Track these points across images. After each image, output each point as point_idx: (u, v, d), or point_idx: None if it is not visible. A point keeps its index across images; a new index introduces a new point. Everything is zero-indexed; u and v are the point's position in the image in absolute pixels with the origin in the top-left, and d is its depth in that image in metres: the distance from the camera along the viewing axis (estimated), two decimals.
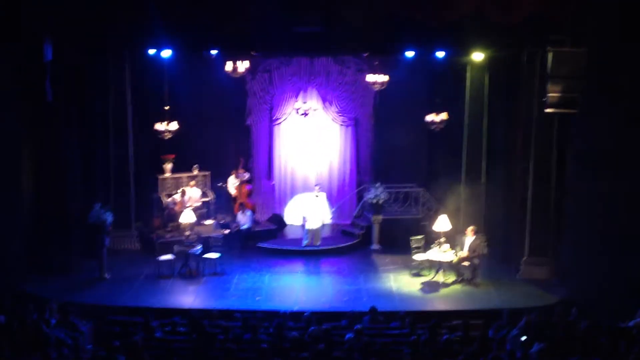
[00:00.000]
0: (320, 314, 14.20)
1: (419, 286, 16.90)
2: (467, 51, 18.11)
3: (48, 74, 16.34)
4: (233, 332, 12.58)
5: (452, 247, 17.26)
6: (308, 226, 19.48)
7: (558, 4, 15.77)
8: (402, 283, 17.08)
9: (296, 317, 13.93)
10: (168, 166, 20.52)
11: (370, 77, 18.95)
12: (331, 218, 21.57)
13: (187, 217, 17.96)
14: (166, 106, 18.33)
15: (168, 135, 18.21)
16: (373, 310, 13.92)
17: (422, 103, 19.72)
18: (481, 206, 19.15)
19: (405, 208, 20.39)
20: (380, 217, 19.79)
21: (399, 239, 18.94)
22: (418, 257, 17.66)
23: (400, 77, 19.18)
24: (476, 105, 19.01)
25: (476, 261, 16.97)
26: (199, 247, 17.54)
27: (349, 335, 12.10)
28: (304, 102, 20.68)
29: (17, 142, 16.57)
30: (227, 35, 17.09)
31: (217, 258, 17.62)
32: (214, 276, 17.36)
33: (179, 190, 20.22)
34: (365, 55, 19.86)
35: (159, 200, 20.13)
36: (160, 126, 18.10)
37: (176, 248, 17.56)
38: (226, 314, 14.16)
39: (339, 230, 21.20)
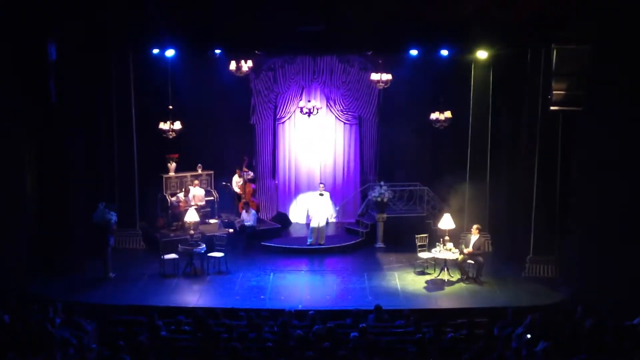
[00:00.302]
0: (324, 312, 14.22)
1: (423, 284, 16.89)
2: (471, 49, 18.09)
3: (52, 74, 16.36)
4: (237, 330, 12.57)
5: (457, 245, 17.25)
6: (313, 224, 19.51)
7: (562, 1, 15.73)
8: (406, 281, 17.07)
9: (301, 315, 13.92)
10: (172, 165, 20.53)
11: (374, 76, 18.94)
12: (335, 216, 21.60)
13: (191, 216, 17.96)
14: (170, 105, 18.32)
15: (172, 135, 18.21)
16: (378, 308, 13.90)
17: (426, 101, 19.69)
18: (486, 204, 19.13)
19: (410, 206, 20.38)
20: (384, 216, 19.79)
21: (403, 237, 18.91)
22: (423, 255, 17.64)
23: (404, 76, 19.20)
24: (480, 103, 18.97)
25: (481, 259, 16.95)
26: (203, 246, 17.53)
27: (353, 334, 12.08)
28: (308, 101, 20.66)
29: (21, 142, 16.59)
30: (231, 35, 17.11)
31: (221, 257, 17.63)
32: (219, 275, 17.37)
33: (183, 190, 20.23)
34: (369, 53, 19.86)
35: (163, 200, 20.14)
36: (164, 125, 18.10)
37: (180, 247, 17.56)
38: (231, 313, 14.13)
39: (343, 228, 21.22)
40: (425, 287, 16.74)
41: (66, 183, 17.60)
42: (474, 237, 17.05)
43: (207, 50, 18.06)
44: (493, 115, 18.85)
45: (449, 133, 19.34)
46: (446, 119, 18.74)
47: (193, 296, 16.06)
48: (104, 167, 18.76)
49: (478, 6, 15.97)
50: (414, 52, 18.12)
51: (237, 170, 21.02)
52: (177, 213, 19.64)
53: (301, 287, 16.90)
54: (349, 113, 21.63)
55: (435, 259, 17.41)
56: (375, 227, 20.01)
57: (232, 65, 18.11)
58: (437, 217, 18.84)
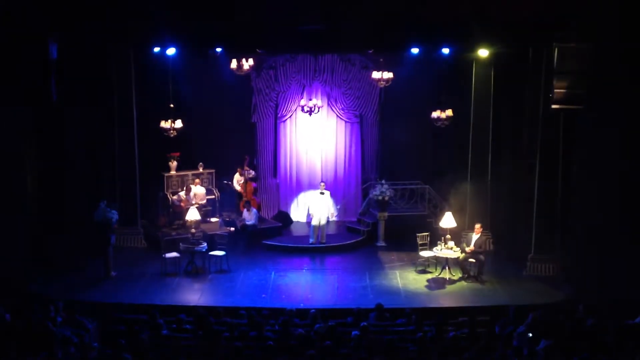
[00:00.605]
0: (326, 311, 14.23)
1: (425, 283, 16.89)
2: (472, 48, 18.07)
3: (53, 72, 16.37)
4: (239, 329, 12.57)
5: (458, 244, 17.25)
6: (314, 222, 19.52)
7: (563, 0, 15.73)
8: (408, 280, 17.07)
9: (302, 314, 13.93)
10: (173, 164, 20.52)
11: (375, 74, 18.90)
12: (336, 215, 21.61)
13: (193, 215, 17.96)
14: (171, 104, 18.33)
15: (173, 133, 18.21)
16: (379, 307, 13.90)
17: (427, 100, 19.68)
18: (487, 203, 19.12)
19: (411, 205, 20.37)
20: (385, 214, 19.78)
21: (404, 235, 18.90)
22: (424, 254, 17.64)
23: (406, 74, 19.15)
24: (482, 102, 18.94)
25: (482, 258, 16.95)
26: (204, 245, 17.54)
27: (355, 333, 12.08)
28: (309, 100, 20.65)
29: (22, 140, 16.59)
30: (232, 33, 17.11)
31: (222, 255, 17.63)
32: (220, 273, 17.37)
33: (184, 188, 20.23)
34: (370, 52, 19.84)
35: (165, 198, 20.14)
36: (165, 124, 18.10)
37: (182, 246, 17.57)
38: (232, 311, 14.15)
39: (344, 227, 21.20)
40: (426, 286, 16.74)
41: (67, 182, 17.61)
42: (476, 235, 17.05)
43: (208, 48, 18.06)
44: (494, 113, 18.82)
45: (450, 131, 19.32)
46: (447, 117, 18.71)
47: (194, 295, 16.07)
48: (105, 165, 18.77)
49: (479, 5, 15.97)
50: (415, 51, 18.12)
51: (239, 169, 21.01)
52: (179, 212, 19.64)
53: (302, 285, 16.90)
54: (350, 111, 21.62)
55: (436, 258, 17.41)
56: (377, 225, 20.00)
57: (233, 64, 18.09)
58: (438, 215, 18.84)
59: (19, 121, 16.34)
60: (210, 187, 20.96)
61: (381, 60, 19.07)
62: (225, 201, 21.04)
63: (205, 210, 20.17)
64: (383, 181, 19.92)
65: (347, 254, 19.29)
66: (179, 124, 18.19)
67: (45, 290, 15.67)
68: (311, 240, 19.56)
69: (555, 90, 16.13)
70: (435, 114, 18.77)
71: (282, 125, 21.78)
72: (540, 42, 16.68)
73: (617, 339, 11.54)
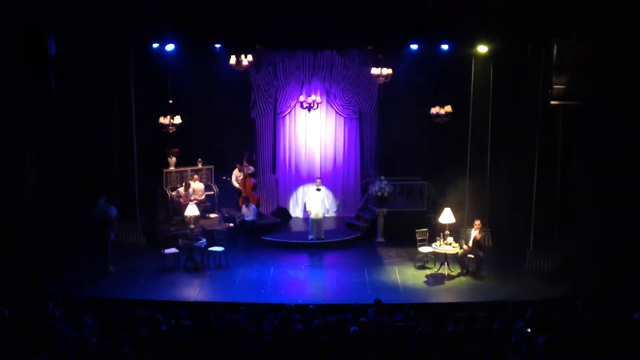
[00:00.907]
0: (325, 306, 14.25)
1: (423, 279, 16.91)
2: (471, 44, 18.09)
3: (52, 68, 16.36)
4: (238, 325, 12.57)
5: (457, 239, 17.26)
6: (312, 217, 19.50)
7: None
8: (407, 276, 17.09)
9: (301, 309, 13.91)
10: (172, 160, 20.53)
11: (375, 70, 18.90)
12: (335, 211, 21.63)
13: (192, 211, 17.96)
14: (170, 100, 18.31)
15: (172, 129, 18.18)
16: (378, 302, 13.89)
17: (426, 96, 19.67)
18: (486, 199, 19.14)
19: (410, 201, 20.41)
20: (384, 210, 19.80)
21: (403, 231, 18.91)
22: (423, 249, 17.66)
23: (405, 70, 19.20)
24: (481, 97, 18.95)
25: (481, 254, 16.98)
26: (203, 241, 17.55)
27: (353, 328, 12.07)
28: (308, 96, 20.64)
29: (22, 136, 16.60)
30: (231, 29, 17.11)
31: (221, 251, 17.65)
32: (219, 269, 17.39)
33: (183, 184, 20.24)
34: (370, 48, 19.82)
35: (164, 194, 20.14)
36: (164, 120, 18.08)
37: (181, 241, 17.58)
38: (231, 307, 14.16)
39: (343, 223, 21.21)
40: (425, 282, 16.76)
41: (66, 178, 17.61)
42: (475, 231, 17.07)
43: (207, 44, 18.07)
44: (493, 109, 18.84)
45: (449, 127, 19.31)
46: (446, 113, 18.71)
47: (193, 290, 16.08)
48: (104, 161, 18.75)
49: (478, 1, 15.97)
50: (414, 47, 18.14)
51: (238, 165, 21.01)
52: (178, 207, 19.64)
53: (301, 281, 16.92)
54: (349, 108, 21.62)
55: (435, 254, 17.43)
56: (376, 221, 20.02)
57: (232, 60, 18.08)
58: (437, 211, 18.83)
59: (19, 116, 16.33)
60: (209, 182, 20.96)
61: (380, 56, 19.07)
62: (224, 197, 21.04)
63: (204, 206, 20.17)
64: (382, 177, 19.92)
65: (346, 249, 19.31)
66: (177, 120, 18.16)
67: (44, 285, 15.66)
68: (310, 237, 19.57)
69: (555, 86, 16.16)
70: (435, 110, 18.77)
71: (281, 121, 21.77)
72: (540, 38, 16.68)
73: (615, 334, 11.54)
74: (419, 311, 13.89)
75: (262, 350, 11.32)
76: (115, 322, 13.63)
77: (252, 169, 21.16)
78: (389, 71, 18.75)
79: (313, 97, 20.48)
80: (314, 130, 21.71)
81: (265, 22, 16.92)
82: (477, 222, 17.22)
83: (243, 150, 21.14)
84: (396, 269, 17.55)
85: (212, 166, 21.10)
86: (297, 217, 21.69)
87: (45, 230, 17.09)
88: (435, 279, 16.87)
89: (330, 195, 21.57)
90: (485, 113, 18.95)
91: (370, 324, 12.69)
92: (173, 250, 17.43)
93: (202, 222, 19.02)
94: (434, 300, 15.67)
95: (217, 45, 18.09)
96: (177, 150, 20.47)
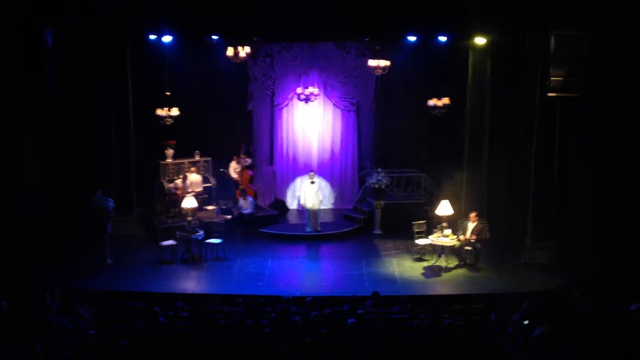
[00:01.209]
0: (322, 298, 14.28)
1: (421, 271, 16.92)
2: (469, 36, 18.07)
3: (49, 60, 16.32)
4: (235, 317, 12.58)
5: (454, 231, 17.26)
6: (307, 207, 19.48)
7: None
8: (404, 268, 17.10)
9: (298, 302, 13.94)
10: (169, 152, 20.50)
11: (372, 62, 18.86)
12: (333, 203, 21.64)
13: (189, 203, 17.94)
14: (167, 92, 18.28)
15: (169, 121, 18.17)
16: (375, 294, 13.93)
17: (424, 88, 19.64)
18: (483, 191, 19.13)
19: (407, 193, 20.42)
20: (382, 202, 19.81)
21: (401, 223, 18.95)
22: (420, 241, 17.67)
23: (402, 62, 19.16)
24: (478, 89, 18.94)
25: (478, 246, 16.98)
26: (201, 233, 17.55)
27: (351, 320, 12.10)
28: (306, 88, 20.61)
29: (19, 129, 16.57)
30: (228, 21, 17.06)
31: (219, 243, 17.66)
32: (216, 261, 17.40)
33: (180, 176, 20.22)
34: (367, 40, 19.78)
35: (161, 186, 20.11)
36: (161, 112, 18.05)
37: (178, 233, 17.57)
38: (228, 299, 14.17)
39: (341, 215, 21.22)
40: (422, 274, 16.76)
41: (64, 170, 17.58)
42: (472, 224, 17.07)
43: (205, 36, 18.03)
44: (491, 101, 18.82)
45: (446, 119, 19.28)
46: (444, 105, 18.70)
47: (191, 282, 16.08)
48: (101, 153, 18.71)
49: None
50: (412, 39, 18.10)
51: (235, 157, 21.00)
52: (175, 200, 19.64)
53: (299, 273, 16.94)
54: (347, 99, 21.60)
55: (432, 246, 17.44)
56: (373, 213, 20.03)
57: (230, 52, 18.04)
58: (434, 203, 18.85)
59: (16, 109, 16.29)
60: (206, 174, 20.95)
61: (378, 48, 19.03)
62: (221, 189, 21.03)
63: (202, 198, 20.15)
64: (379, 169, 19.93)
65: (343, 242, 19.31)
66: (175, 111, 18.14)
67: (42, 278, 15.66)
68: (308, 229, 19.57)
69: (552, 78, 16.15)
70: (432, 102, 18.75)
71: (278, 113, 21.74)
72: (537, 30, 16.65)
73: (612, 325, 11.57)
74: (416, 303, 13.92)
75: (260, 343, 11.33)
76: (112, 314, 13.67)
77: (249, 161, 21.15)
78: (387, 63, 18.71)
79: (310, 89, 20.45)
80: (311, 122, 21.69)
81: (262, 13, 16.88)
82: (473, 214, 17.22)
83: (240, 142, 21.13)
84: (393, 261, 17.56)
85: (209, 158, 21.09)
86: (294, 210, 21.70)
87: (42, 223, 17.07)
88: (433, 271, 16.88)
89: (327, 187, 21.60)
90: (483, 105, 18.94)
91: (368, 316, 12.73)
92: (170, 242, 17.43)
93: (200, 214, 19.00)
94: (431, 292, 15.68)
95: (215, 37, 18.04)
96: (174, 142, 20.44)
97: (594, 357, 10.44)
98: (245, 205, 19.65)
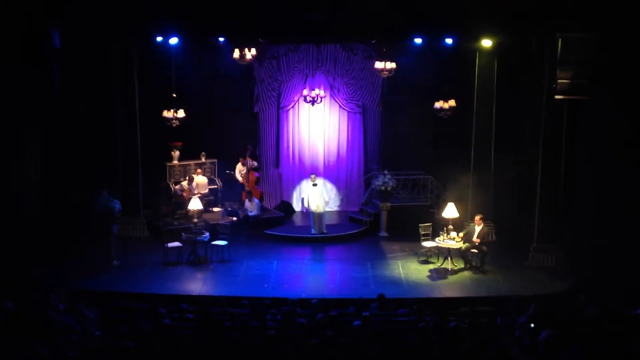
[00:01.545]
0: (328, 301, 14.23)
1: (427, 273, 16.89)
2: (475, 38, 18.06)
3: (56, 62, 16.36)
4: (240, 319, 12.57)
5: (465, 234, 17.18)
6: (312, 209, 19.47)
7: None
8: (410, 270, 17.07)
9: (304, 304, 13.93)
10: (176, 154, 20.55)
11: (378, 64, 18.87)
12: (338, 205, 21.63)
13: (195, 205, 17.96)
14: (174, 94, 18.31)
15: (176, 123, 18.21)
16: (381, 297, 13.90)
17: (430, 90, 19.62)
18: (490, 193, 19.09)
19: (414, 195, 20.38)
20: (388, 205, 19.79)
21: (407, 226, 18.93)
22: (426, 244, 17.63)
23: (409, 64, 19.12)
24: (485, 92, 18.91)
25: (484, 248, 16.93)
26: (206, 234, 17.55)
27: (356, 322, 12.08)
28: (312, 90, 20.62)
29: (25, 129, 16.61)
30: (235, 22, 17.08)
31: (224, 245, 17.65)
32: (222, 263, 17.39)
33: (186, 178, 20.24)
34: (373, 42, 19.78)
35: (167, 188, 20.15)
36: (167, 114, 18.10)
37: (184, 235, 17.57)
38: (234, 301, 14.16)
39: (347, 217, 21.21)
40: (428, 276, 16.73)
41: (70, 171, 17.61)
42: (478, 227, 17.03)
43: (211, 38, 18.04)
44: (497, 104, 18.79)
45: (452, 122, 19.27)
46: (450, 107, 18.69)
47: (196, 284, 16.08)
48: (107, 155, 18.76)
49: None
50: (418, 41, 18.10)
51: (241, 159, 21.02)
52: (181, 201, 19.67)
53: (304, 275, 16.92)
54: (353, 101, 21.60)
55: (438, 248, 17.40)
56: (379, 216, 20.01)
57: (236, 54, 18.04)
58: (440, 206, 18.83)
59: (22, 109, 16.33)
60: (212, 176, 20.98)
61: (384, 50, 19.04)
62: (227, 191, 21.05)
63: (208, 200, 20.20)
64: (385, 171, 19.91)
65: (349, 244, 19.29)
66: (181, 113, 18.18)
67: (48, 278, 15.68)
68: (313, 231, 19.56)
69: (559, 81, 16.15)
70: (438, 104, 18.75)
71: (284, 115, 21.76)
72: (544, 32, 16.62)
73: (618, 328, 11.53)
74: (422, 306, 13.88)
75: (265, 345, 11.32)
76: (118, 315, 13.66)
77: (255, 163, 21.16)
78: (393, 65, 18.71)
79: (317, 90, 20.46)
80: (317, 124, 21.71)
81: (268, 15, 16.88)
82: (478, 217, 17.18)
83: (246, 144, 21.16)
84: (399, 263, 17.53)
85: (215, 160, 21.14)
86: (300, 212, 21.69)
87: (48, 224, 17.09)
88: (439, 274, 16.85)
89: (332, 189, 21.61)
90: (489, 107, 18.90)
91: (373, 318, 12.71)
92: (176, 244, 17.43)
93: (206, 216, 19.03)
94: (437, 294, 15.62)
95: (221, 39, 18.05)
96: (180, 144, 20.49)
97: None
98: (251, 207, 19.66)
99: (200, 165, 20.76)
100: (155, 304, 13.27)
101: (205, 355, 10.93)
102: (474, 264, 17.02)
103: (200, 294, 15.21)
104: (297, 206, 21.88)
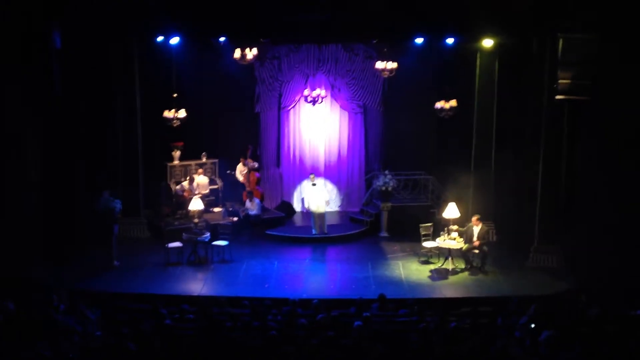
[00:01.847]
0: (328, 301, 14.22)
1: (427, 273, 16.89)
2: (476, 38, 18.06)
3: (57, 62, 16.35)
4: (241, 319, 12.58)
5: (461, 234, 17.20)
6: (312, 209, 19.47)
7: None
8: (410, 270, 17.06)
9: (305, 304, 13.93)
10: (176, 154, 20.54)
11: (379, 64, 18.89)
12: (339, 205, 21.63)
13: (196, 205, 17.94)
14: (174, 94, 18.31)
15: (176, 123, 18.19)
16: (382, 297, 13.90)
17: (431, 90, 19.65)
18: (490, 194, 19.08)
19: (414, 195, 20.39)
20: (389, 205, 19.78)
21: (407, 226, 18.94)
22: (427, 244, 17.63)
23: (410, 64, 19.15)
24: (486, 92, 18.92)
25: (485, 248, 16.93)
26: (207, 235, 17.55)
27: (357, 323, 12.08)
28: (313, 90, 20.62)
29: (26, 129, 16.59)
30: (236, 22, 17.07)
31: (225, 245, 17.65)
32: (223, 263, 17.39)
33: (187, 178, 20.24)
34: (374, 42, 19.78)
35: (168, 188, 20.14)
36: (168, 114, 18.09)
37: (185, 235, 17.57)
38: (235, 301, 14.17)
39: (347, 217, 21.21)
40: (429, 277, 16.73)
41: (71, 171, 17.61)
42: (476, 227, 17.01)
43: (212, 38, 18.03)
44: (498, 104, 18.78)
45: (454, 122, 19.27)
46: (451, 107, 18.67)
47: (197, 285, 16.07)
48: (108, 155, 18.76)
49: None
50: (419, 41, 18.09)
51: (242, 159, 21.02)
52: (182, 201, 19.66)
53: (305, 275, 16.91)
54: (354, 102, 21.60)
55: (439, 248, 17.40)
56: (380, 216, 20.00)
57: (237, 54, 18.03)
58: (441, 206, 18.82)
59: (23, 109, 16.32)
60: (213, 177, 20.98)
61: (385, 50, 19.06)
62: (228, 191, 21.05)
63: (209, 200, 20.19)
64: (386, 171, 19.90)
65: (350, 244, 19.28)
66: (182, 113, 18.17)
67: (49, 279, 15.67)
68: (314, 232, 19.55)
69: (560, 81, 16.15)
70: (439, 105, 18.74)
71: (285, 115, 21.76)
72: (545, 32, 16.62)
73: (619, 329, 11.52)
74: (423, 306, 13.89)
75: (266, 345, 11.32)
76: (119, 316, 13.66)
77: (255, 164, 21.15)
78: (394, 65, 18.72)
79: (318, 91, 20.47)
80: (318, 125, 21.71)
81: (269, 15, 16.87)
82: (475, 218, 17.15)
83: (247, 144, 21.15)
84: (400, 263, 17.53)
85: (216, 160, 21.14)
86: (301, 212, 21.68)
87: (48, 224, 17.09)
88: (439, 274, 16.84)
89: (333, 189, 21.61)
90: (490, 107, 18.90)
91: (374, 318, 12.71)
92: (177, 244, 17.44)
93: (206, 216, 19.02)
94: (438, 295, 15.62)
95: (222, 39, 18.05)
96: (181, 144, 20.49)
97: None
98: (252, 207, 19.66)
99: (201, 165, 20.76)
100: (156, 304, 13.26)
101: (206, 356, 10.93)
102: (474, 264, 17.02)
103: (201, 295, 15.21)
104: (297, 206, 21.87)
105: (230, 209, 20.12)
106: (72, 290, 14.15)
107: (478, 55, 18.81)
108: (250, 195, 19.88)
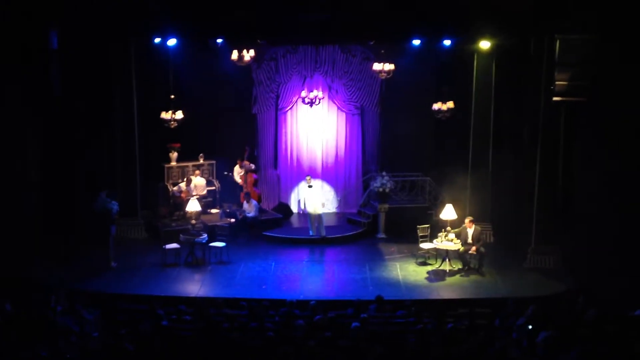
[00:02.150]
0: (326, 302, 14.22)
1: (425, 275, 16.88)
2: (474, 39, 18.08)
3: (54, 63, 16.34)
4: (239, 320, 12.57)
5: (459, 236, 17.19)
6: (309, 211, 19.45)
7: None
8: (408, 272, 17.06)
9: (302, 305, 13.91)
10: (174, 155, 20.52)
11: (377, 66, 18.89)
12: (336, 206, 21.62)
13: (193, 206, 17.94)
14: (172, 95, 18.30)
15: (174, 124, 18.21)
16: (379, 298, 13.90)
17: (428, 92, 19.67)
18: (488, 195, 19.11)
19: (412, 197, 20.39)
20: (386, 206, 19.77)
21: (405, 227, 18.92)
22: (424, 245, 17.63)
23: (407, 66, 19.15)
24: (483, 93, 18.93)
25: (482, 250, 16.93)
26: (204, 236, 17.53)
27: (355, 324, 12.07)
28: (310, 91, 20.62)
29: (24, 130, 16.58)
30: (233, 23, 17.07)
31: (223, 247, 17.64)
32: (220, 265, 17.37)
33: (184, 179, 20.23)
34: (372, 43, 19.79)
35: (165, 189, 20.13)
36: (166, 115, 18.09)
37: (182, 237, 17.55)
38: (232, 303, 14.15)
39: (345, 219, 21.19)
40: (426, 278, 16.72)
41: (68, 172, 17.60)
42: (470, 230, 17.00)
43: (209, 39, 18.03)
44: (495, 105, 18.80)
45: (451, 123, 19.30)
46: (448, 109, 18.70)
47: (194, 286, 16.05)
48: (106, 156, 18.73)
49: None
50: (416, 42, 18.10)
51: (239, 161, 21.00)
52: (179, 203, 19.65)
53: (303, 277, 16.89)
54: (351, 103, 21.60)
55: (436, 250, 17.39)
56: (377, 217, 19.99)
57: (234, 55, 18.04)
58: (439, 207, 18.82)
59: (21, 111, 16.31)
60: (210, 178, 20.97)
61: (382, 51, 19.07)
62: (225, 192, 21.03)
63: (206, 202, 20.18)
64: (384, 173, 19.90)
65: (347, 245, 19.27)
66: (179, 115, 18.17)
67: (47, 279, 15.66)
68: (311, 233, 19.54)
69: (557, 83, 16.15)
70: (437, 106, 18.76)
71: (282, 116, 21.76)
72: (542, 33, 16.63)
73: (617, 330, 11.52)
74: (420, 307, 13.89)
75: (263, 346, 11.31)
76: (116, 317, 13.66)
77: (252, 166, 21.13)
78: (391, 66, 18.73)
79: (315, 92, 20.48)
80: (315, 126, 21.70)
81: (267, 16, 16.88)
82: (468, 220, 17.14)
83: (244, 145, 21.14)
84: (397, 265, 17.53)
85: (213, 161, 21.12)
86: (298, 213, 21.67)
87: (48, 224, 17.08)
88: (437, 275, 16.84)
89: (330, 191, 21.61)
90: (488, 109, 18.91)
91: (372, 320, 12.70)
92: (174, 245, 17.42)
93: (204, 217, 19.01)
94: (435, 296, 15.62)
95: (219, 40, 18.04)
96: (178, 145, 20.46)
97: None
98: (249, 208, 19.65)
99: (198, 167, 20.75)
100: (153, 305, 13.25)
101: (204, 357, 10.92)
102: (472, 265, 17.02)
103: (198, 296, 15.20)
104: (295, 208, 21.86)
105: (228, 210, 20.10)
106: (70, 291, 14.14)
107: (475, 56, 18.83)
108: (248, 197, 19.88)
